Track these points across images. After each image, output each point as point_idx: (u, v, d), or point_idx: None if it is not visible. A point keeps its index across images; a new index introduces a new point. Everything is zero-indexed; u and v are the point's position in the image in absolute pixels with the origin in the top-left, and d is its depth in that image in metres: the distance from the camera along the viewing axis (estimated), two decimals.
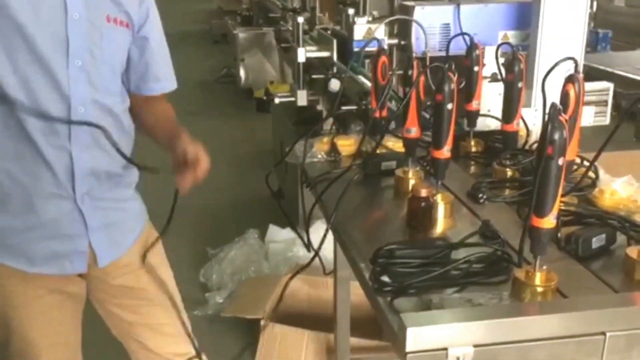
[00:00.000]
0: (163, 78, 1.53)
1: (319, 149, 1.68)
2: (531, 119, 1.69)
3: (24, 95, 1.30)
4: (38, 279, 1.44)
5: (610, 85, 1.99)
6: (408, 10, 1.97)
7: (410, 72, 1.45)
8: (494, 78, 1.80)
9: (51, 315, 1.50)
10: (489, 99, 1.75)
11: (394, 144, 1.63)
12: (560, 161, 0.94)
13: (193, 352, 1.67)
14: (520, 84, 1.48)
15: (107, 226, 1.47)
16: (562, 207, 1.22)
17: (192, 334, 1.68)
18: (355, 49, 2.12)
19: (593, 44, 2.98)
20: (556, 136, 0.92)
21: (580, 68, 1.55)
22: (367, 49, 1.93)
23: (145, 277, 1.58)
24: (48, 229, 1.40)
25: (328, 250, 2.03)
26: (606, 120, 1.97)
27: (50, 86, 1.32)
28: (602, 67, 2.48)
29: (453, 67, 1.27)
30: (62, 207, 1.40)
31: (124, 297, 1.58)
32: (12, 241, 1.40)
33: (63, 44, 1.31)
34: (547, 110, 0.96)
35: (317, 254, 1.49)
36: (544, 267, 1.02)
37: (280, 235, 3.02)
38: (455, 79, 1.23)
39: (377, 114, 1.57)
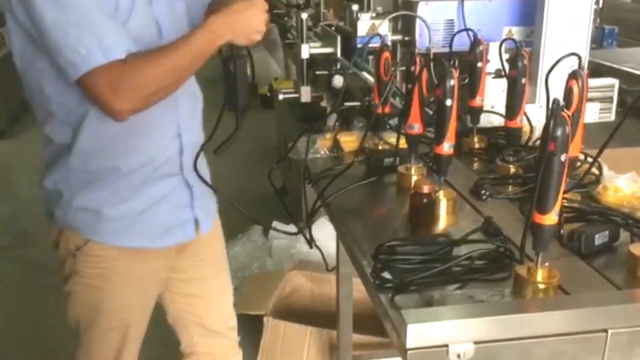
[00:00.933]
0: None
1: (322, 145, 1.67)
2: (535, 116, 1.69)
3: None
4: (145, 257, 1.49)
5: (615, 82, 1.98)
6: (412, 6, 1.96)
7: (412, 68, 1.44)
8: (497, 74, 1.79)
9: (147, 294, 1.55)
10: (493, 95, 1.74)
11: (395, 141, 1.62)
12: (563, 157, 0.94)
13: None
14: (523, 80, 1.47)
15: (203, 195, 1.56)
16: (565, 204, 1.21)
17: None
18: (359, 45, 2.12)
19: (599, 40, 2.96)
20: (558, 132, 0.92)
21: (585, 64, 1.55)
22: (370, 45, 1.93)
23: (213, 251, 1.68)
24: (164, 204, 1.47)
25: (331, 246, 2.03)
26: (611, 116, 1.96)
27: None
28: (607, 64, 2.47)
29: (456, 63, 1.26)
30: (174, 181, 1.48)
31: (194, 271, 1.63)
32: (134, 222, 1.45)
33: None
34: (549, 106, 0.95)
35: (316, 248, 1.50)
36: (546, 264, 1.02)
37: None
38: (456, 74, 1.22)
39: (379, 110, 1.57)
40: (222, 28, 1.34)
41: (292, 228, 2.84)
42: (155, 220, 1.48)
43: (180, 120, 1.48)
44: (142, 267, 1.50)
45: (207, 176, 1.60)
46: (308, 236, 1.62)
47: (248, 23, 1.37)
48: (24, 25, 1.29)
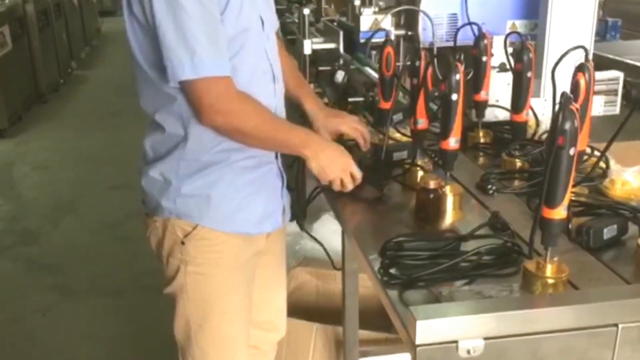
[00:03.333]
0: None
1: None
2: (540, 109, 1.68)
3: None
4: (248, 243, 1.50)
5: (620, 75, 1.97)
6: (415, 0, 1.95)
7: (417, 63, 1.43)
8: (502, 68, 1.78)
9: (249, 281, 1.55)
10: (498, 89, 1.73)
11: (402, 136, 1.62)
12: (572, 151, 0.93)
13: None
14: (529, 74, 1.46)
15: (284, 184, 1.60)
16: (573, 198, 1.20)
17: None
18: (362, 40, 2.11)
19: (602, 33, 2.94)
20: (567, 126, 0.91)
21: (590, 57, 1.53)
22: (373, 40, 1.92)
23: (281, 242, 1.71)
24: (264, 191, 1.50)
25: (336, 243, 2.02)
26: (616, 109, 1.95)
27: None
28: (611, 56, 2.45)
29: (462, 57, 1.26)
30: (271, 168, 1.51)
31: (265, 261, 1.62)
32: (239, 207, 1.46)
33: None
34: (557, 100, 0.94)
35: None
36: (555, 259, 1.01)
37: (288, 229, 3.01)
38: (462, 69, 1.21)
39: (381, 105, 1.56)
40: (314, 149, 1.39)
41: (295, 225, 2.83)
42: (257, 206, 1.50)
43: (277, 109, 1.50)
44: (246, 253, 1.51)
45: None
46: (308, 231, 1.64)
47: (333, 164, 1.39)
48: (139, 17, 1.34)
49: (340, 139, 1.63)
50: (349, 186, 1.39)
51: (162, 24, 1.29)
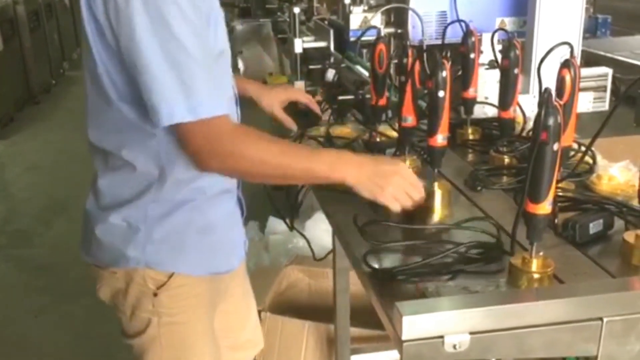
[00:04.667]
0: None
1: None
2: (529, 106, 1.68)
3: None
4: (218, 282, 1.39)
5: (609, 71, 1.98)
6: None
7: (405, 61, 1.44)
8: (491, 65, 1.79)
9: (213, 317, 1.44)
10: (487, 86, 1.74)
11: (392, 133, 1.62)
12: (555, 146, 0.93)
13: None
14: (516, 71, 1.47)
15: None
16: (559, 193, 1.21)
17: None
18: (352, 39, 2.11)
19: (592, 30, 2.96)
20: (550, 121, 0.92)
21: (578, 53, 1.54)
22: (364, 38, 1.92)
23: (243, 265, 1.58)
24: (235, 223, 1.40)
25: (327, 241, 2.03)
26: (605, 105, 1.96)
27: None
28: (601, 53, 2.47)
29: (448, 54, 1.26)
30: (233, 198, 1.38)
31: (232, 288, 1.53)
32: (215, 246, 1.35)
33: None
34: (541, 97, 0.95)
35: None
36: (541, 253, 1.02)
37: (280, 227, 3.02)
38: (449, 65, 1.22)
39: (373, 102, 1.56)
40: (351, 170, 1.17)
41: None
42: (229, 242, 1.39)
43: None
44: (217, 293, 1.41)
45: None
46: (297, 227, 1.62)
47: (383, 179, 1.17)
48: (104, 31, 1.13)
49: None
50: (415, 197, 1.18)
51: (145, 49, 1.08)
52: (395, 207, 1.18)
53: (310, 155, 1.22)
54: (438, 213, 1.28)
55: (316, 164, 1.19)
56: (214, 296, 1.41)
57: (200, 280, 1.33)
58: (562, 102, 0.96)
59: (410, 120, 1.40)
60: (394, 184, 1.17)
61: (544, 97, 0.90)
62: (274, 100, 1.63)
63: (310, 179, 1.26)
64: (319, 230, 2.57)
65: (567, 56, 1.23)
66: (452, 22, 1.76)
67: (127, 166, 1.24)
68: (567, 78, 1.20)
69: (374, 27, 1.94)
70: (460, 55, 1.57)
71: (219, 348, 1.46)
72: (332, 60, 2.22)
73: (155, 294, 1.29)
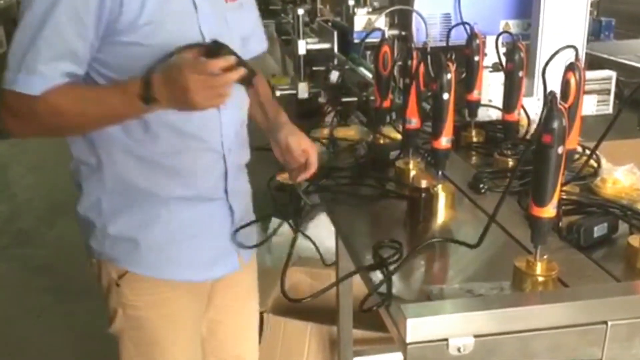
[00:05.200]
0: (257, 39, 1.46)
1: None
2: (533, 109, 1.68)
3: None
4: (191, 288, 1.37)
5: (612, 74, 1.97)
6: (408, 1, 1.96)
7: (409, 63, 1.44)
8: (495, 68, 1.79)
9: (197, 329, 1.44)
10: (491, 89, 1.74)
11: (396, 135, 1.62)
12: (560, 150, 0.93)
13: None
14: (520, 73, 1.47)
15: (243, 220, 1.41)
16: (564, 197, 1.21)
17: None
18: (356, 40, 2.11)
19: (596, 33, 2.95)
20: (555, 124, 0.91)
21: (582, 56, 1.54)
22: (368, 40, 1.92)
23: (249, 278, 1.56)
24: (206, 232, 1.34)
25: (331, 243, 2.03)
26: (609, 109, 1.95)
27: None
28: (605, 56, 2.46)
29: (453, 56, 1.26)
30: (216, 206, 1.34)
31: (226, 299, 1.50)
32: (174, 252, 1.32)
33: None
34: (545, 99, 0.95)
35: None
36: (545, 257, 1.01)
37: (283, 228, 3.02)
38: (453, 68, 1.22)
39: (377, 104, 1.56)
40: (153, 88, 1.10)
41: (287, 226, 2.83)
42: (199, 250, 1.34)
43: (224, 139, 1.31)
44: (195, 299, 1.38)
45: (249, 198, 1.48)
46: (301, 231, 1.61)
47: (184, 93, 1.09)
48: None
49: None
50: (224, 92, 1.09)
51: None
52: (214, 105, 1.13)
53: (100, 97, 1.18)
54: (442, 215, 1.28)
55: (109, 102, 1.16)
56: (190, 301, 1.37)
57: (165, 282, 1.32)
58: (566, 105, 0.95)
59: (414, 122, 1.40)
60: (193, 89, 1.07)
61: (549, 100, 0.90)
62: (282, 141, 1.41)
63: (113, 118, 1.19)
64: (323, 231, 2.56)
65: (572, 59, 1.23)
66: (457, 25, 1.76)
67: (73, 155, 1.30)
68: (572, 81, 1.20)
69: (378, 29, 1.94)
70: (465, 57, 1.57)
71: (204, 355, 1.45)
72: (335, 62, 2.22)
73: (118, 284, 1.31)
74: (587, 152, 1.36)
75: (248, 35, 1.42)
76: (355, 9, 2.17)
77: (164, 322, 1.35)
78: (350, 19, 2.14)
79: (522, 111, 1.54)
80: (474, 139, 1.62)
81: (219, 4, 1.31)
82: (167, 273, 1.32)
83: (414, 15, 1.95)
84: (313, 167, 1.33)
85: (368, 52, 2.24)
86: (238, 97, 1.31)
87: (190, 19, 1.24)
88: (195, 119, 1.22)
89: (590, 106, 1.88)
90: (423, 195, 1.26)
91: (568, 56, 1.24)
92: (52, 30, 1.14)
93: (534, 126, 1.60)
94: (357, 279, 1.10)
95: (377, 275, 1.06)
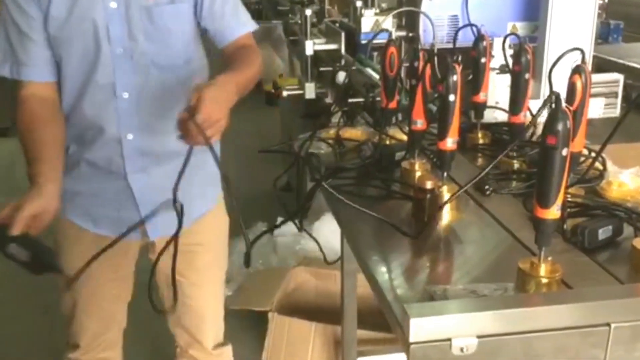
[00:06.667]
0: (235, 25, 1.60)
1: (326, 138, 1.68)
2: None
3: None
4: (99, 239, 1.53)
5: (620, 77, 1.97)
6: (416, 2, 1.96)
7: (416, 64, 1.44)
8: (502, 70, 1.79)
9: (101, 271, 1.61)
10: (498, 91, 1.74)
11: (401, 136, 1.62)
12: (564, 152, 0.93)
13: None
14: (527, 76, 1.47)
15: (157, 201, 1.46)
16: (569, 199, 1.21)
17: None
18: (363, 41, 2.12)
19: (604, 36, 2.94)
20: (559, 126, 0.92)
21: (590, 59, 1.54)
22: (375, 41, 1.93)
23: (204, 257, 1.69)
24: (104, 197, 1.55)
25: (336, 242, 2.04)
26: (616, 112, 1.95)
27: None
28: (613, 59, 2.46)
29: (459, 58, 1.26)
30: (114, 181, 1.53)
31: (186, 274, 1.64)
32: (79, 202, 1.57)
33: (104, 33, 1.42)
34: (546, 100, 0.95)
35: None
36: (549, 259, 1.02)
37: (288, 229, 3.03)
38: (459, 69, 1.22)
39: (384, 105, 1.57)
40: None
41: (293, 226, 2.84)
42: (98, 207, 1.57)
43: (121, 122, 1.48)
44: (112, 255, 1.52)
45: (198, 186, 1.57)
46: (306, 230, 1.62)
47: None
48: None
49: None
50: None
51: None
52: None
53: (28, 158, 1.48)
54: (446, 216, 1.28)
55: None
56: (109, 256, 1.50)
57: (86, 233, 1.59)
58: (572, 108, 0.95)
59: (420, 123, 1.40)
60: None
61: (554, 102, 0.90)
62: None
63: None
64: (328, 231, 2.57)
65: (578, 62, 1.23)
66: (464, 27, 1.76)
67: None
68: (578, 84, 1.20)
69: (386, 30, 1.95)
70: (471, 59, 1.57)
71: (94, 297, 1.70)
72: (342, 62, 2.23)
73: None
74: (593, 154, 1.36)
75: (221, 28, 1.56)
76: (363, 10, 2.18)
77: (61, 247, 1.67)
78: (357, 20, 2.14)
79: (528, 113, 1.53)
80: (480, 141, 1.63)
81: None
82: (67, 212, 1.57)
83: (422, 16, 1.95)
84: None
85: (375, 53, 2.24)
86: (157, 83, 1.47)
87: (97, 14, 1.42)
88: (91, 107, 1.47)
89: (597, 109, 1.88)
90: (428, 196, 1.26)
91: (575, 59, 1.24)
92: None
93: (539, 129, 1.61)
94: (361, 279, 1.11)
95: (384, 275, 1.07)
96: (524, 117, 1.52)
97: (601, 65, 2.24)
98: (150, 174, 1.53)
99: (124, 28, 1.43)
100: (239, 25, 1.60)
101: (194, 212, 1.59)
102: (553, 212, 0.97)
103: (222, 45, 1.58)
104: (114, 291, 1.73)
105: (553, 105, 0.92)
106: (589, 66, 1.24)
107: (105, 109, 1.46)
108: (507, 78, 1.69)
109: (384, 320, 1.04)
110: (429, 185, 1.26)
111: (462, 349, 0.91)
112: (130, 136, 1.49)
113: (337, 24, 2.47)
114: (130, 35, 1.43)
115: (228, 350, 1.86)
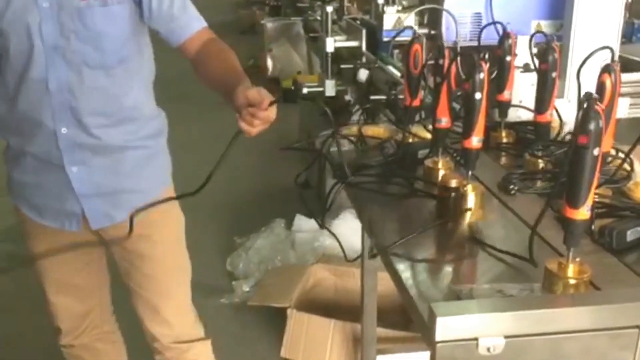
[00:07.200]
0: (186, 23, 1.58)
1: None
2: (564, 110, 1.67)
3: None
4: (50, 230, 1.64)
5: None
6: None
7: (441, 62, 1.43)
8: (526, 68, 1.77)
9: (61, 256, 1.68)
10: (521, 90, 1.73)
11: (425, 134, 1.62)
12: (596, 151, 0.92)
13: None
14: (554, 74, 1.46)
15: (100, 193, 1.60)
16: (596, 199, 1.20)
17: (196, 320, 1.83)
18: (385, 39, 2.11)
19: (628, 35, 2.90)
20: (592, 125, 0.91)
21: (616, 58, 1.52)
22: (397, 38, 1.92)
23: (157, 247, 1.71)
24: (46, 189, 1.60)
25: (356, 240, 2.03)
26: None
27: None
28: (637, 59, 2.42)
29: (486, 56, 1.25)
30: (53, 171, 1.56)
31: (133, 264, 1.72)
32: (27, 193, 1.63)
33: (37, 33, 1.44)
34: (581, 100, 0.94)
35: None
36: (577, 259, 1.01)
37: (307, 225, 3.03)
38: (486, 68, 1.21)
39: (407, 102, 1.56)
40: None
41: (313, 223, 2.84)
42: (41, 199, 1.62)
43: (55, 116, 1.50)
44: (44, 228, 1.65)
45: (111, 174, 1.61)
46: (328, 226, 1.61)
47: None
48: None
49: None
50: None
51: None
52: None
53: None
54: (471, 215, 1.27)
55: None
56: (44, 229, 1.65)
57: (36, 223, 1.65)
58: (603, 107, 0.94)
59: (444, 121, 1.39)
60: None
61: (588, 101, 0.89)
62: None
63: None
64: (348, 229, 2.57)
65: (606, 61, 1.21)
66: (489, 24, 1.75)
67: None
68: (608, 83, 1.18)
69: (410, 27, 1.94)
70: (496, 57, 1.56)
71: (56, 273, 1.74)
72: (363, 59, 2.22)
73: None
74: (620, 155, 1.34)
75: (174, 28, 1.57)
76: (385, 8, 2.17)
77: (24, 226, 1.70)
78: (379, 17, 2.14)
79: (554, 112, 1.52)
80: (504, 140, 1.61)
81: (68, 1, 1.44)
82: (15, 200, 1.67)
83: (444, 14, 1.94)
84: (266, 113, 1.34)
85: (396, 51, 2.23)
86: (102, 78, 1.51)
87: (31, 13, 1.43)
88: (27, 101, 1.50)
89: (622, 109, 1.86)
90: (452, 194, 1.26)
91: (599, 58, 1.23)
92: None
93: (565, 128, 1.59)
94: (381, 277, 1.11)
95: (408, 273, 1.06)
96: (550, 116, 1.51)
97: (625, 65, 2.21)
98: (90, 166, 1.57)
99: (55, 27, 1.44)
100: (192, 20, 1.60)
101: (134, 202, 1.63)
102: (583, 213, 0.96)
103: (178, 44, 1.58)
104: (81, 277, 1.78)
105: (585, 105, 0.90)
106: (618, 65, 1.23)
107: (40, 103, 1.49)
108: (531, 77, 1.67)
109: (402, 318, 1.04)
110: (453, 183, 1.26)
111: (488, 349, 0.90)
112: (64, 130, 1.52)
113: (358, 21, 2.47)
114: (62, 34, 1.45)
115: (204, 345, 1.85)
